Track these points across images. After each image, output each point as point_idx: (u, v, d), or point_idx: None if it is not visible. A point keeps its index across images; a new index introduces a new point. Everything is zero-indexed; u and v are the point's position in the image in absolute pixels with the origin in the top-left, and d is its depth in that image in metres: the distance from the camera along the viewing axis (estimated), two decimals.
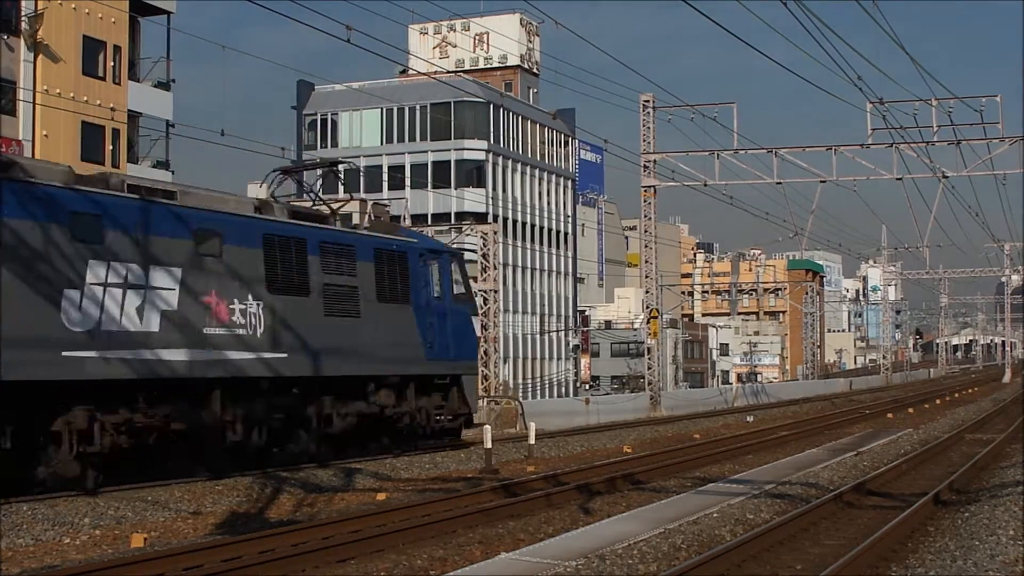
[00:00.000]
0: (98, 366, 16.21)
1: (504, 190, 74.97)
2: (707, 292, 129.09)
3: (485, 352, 36.66)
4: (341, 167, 27.41)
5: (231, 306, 18.43)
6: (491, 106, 73.22)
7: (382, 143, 75.42)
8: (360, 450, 21.54)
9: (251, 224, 19.18)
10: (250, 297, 18.78)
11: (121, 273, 16.67)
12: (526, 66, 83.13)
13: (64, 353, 15.76)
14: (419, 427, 23.21)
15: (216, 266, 18.26)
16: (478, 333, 26.43)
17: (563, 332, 78.74)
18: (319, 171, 26.92)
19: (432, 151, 73.71)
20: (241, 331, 18.59)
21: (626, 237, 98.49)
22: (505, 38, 78.19)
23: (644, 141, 43.39)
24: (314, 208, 22.64)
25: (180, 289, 17.58)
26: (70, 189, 16.40)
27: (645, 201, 43.91)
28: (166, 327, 17.27)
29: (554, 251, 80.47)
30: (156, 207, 17.53)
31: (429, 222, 61.07)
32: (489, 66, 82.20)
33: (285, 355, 19.38)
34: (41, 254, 15.55)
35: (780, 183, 41.58)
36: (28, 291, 15.34)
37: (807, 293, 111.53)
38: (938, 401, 49.88)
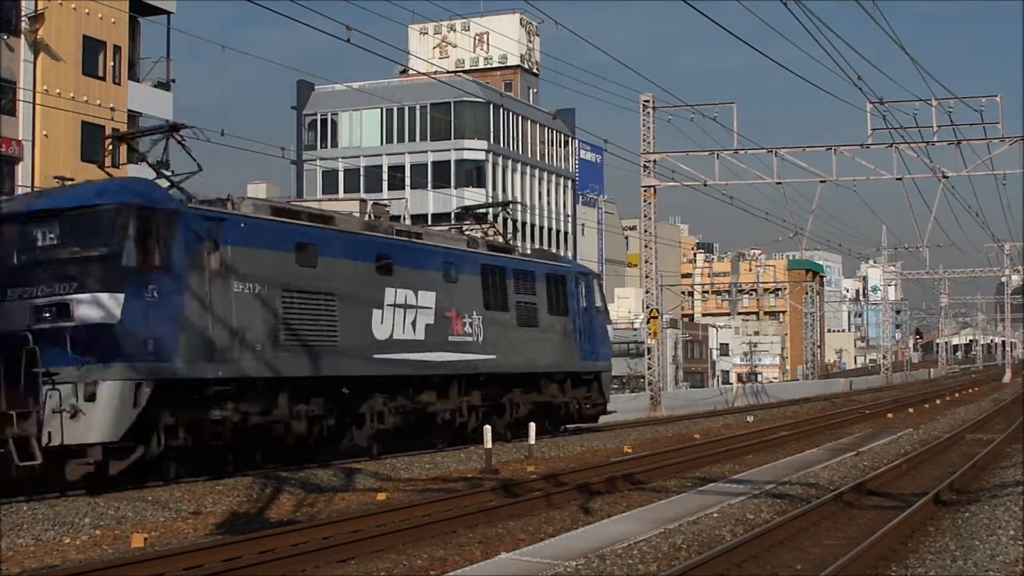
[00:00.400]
0: (391, 365, 22.04)
1: (504, 190, 74.99)
2: (707, 292, 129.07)
3: None
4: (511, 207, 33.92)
5: (463, 320, 24.35)
6: (491, 106, 73.25)
7: (382, 143, 75.45)
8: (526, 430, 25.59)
9: (475, 258, 25.36)
10: (474, 313, 24.77)
11: (403, 296, 22.47)
12: (526, 66, 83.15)
13: (374, 356, 21.59)
14: (574, 413, 29.28)
15: (454, 290, 24.17)
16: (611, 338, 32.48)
17: None
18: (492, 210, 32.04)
19: (432, 151, 73.74)
20: (470, 338, 24.54)
21: (626, 237, 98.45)
22: (505, 38, 78.20)
23: (644, 141, 43.40)
24: (503, 243, 28.85)
25: (435, 308, 23.42)
26: (374, 237, 22.38)
27: (645, 201, 43.92)
28: (428, 336, 23.14)
29: (554, 251, 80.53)
30: (421, 247, 23.63)
31: (429, 222, 61.12)
32: (489, 66, 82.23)
33: (495, 356, 25.36)
34: (359, 285, 21.23)
35: (780, 183, 41.59)
36: (353, 311, 21.00)
37: (807, 293, 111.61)
38: (938, 401, 49.87)
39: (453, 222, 31.70)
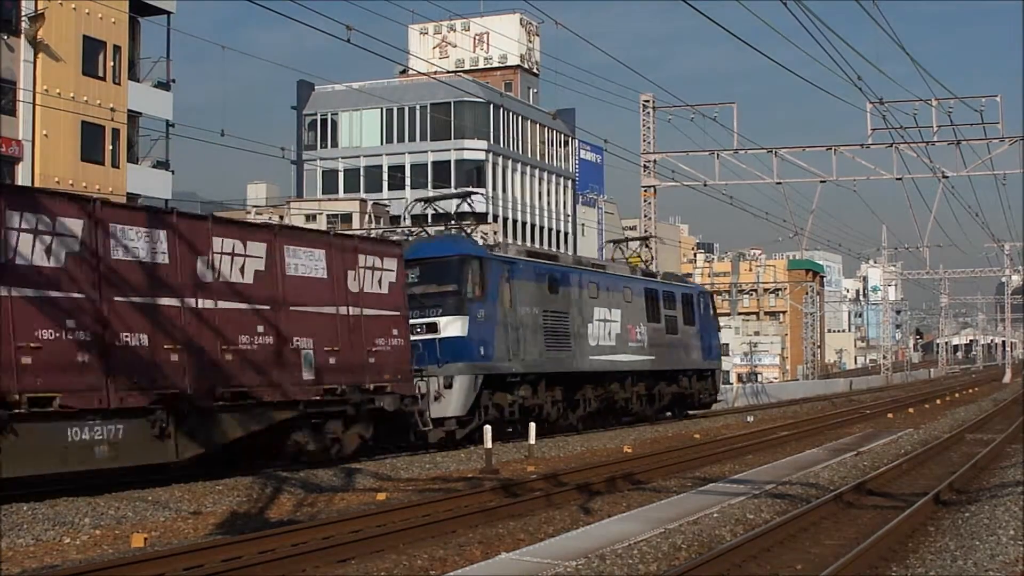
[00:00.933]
0: (599, 364, 30.18)
1: (504, 190, 75.00)
2: None
3: None
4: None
5: (635, 330, 32.35)
6: (491, 106, 73.26)
7: (382, 143, 75.46)
8: (659, 415, 35.14)
9: (640, 283, 33.49)
10: (641, 324, 32.71)
11: (605, 313, 30.49)
12: (526, 66, 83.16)
13: (589, 357, 29.56)
14: (697, 401, 37.49)
15: (630, 307, 32.13)
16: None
17: None
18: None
19: (432, 151, 73.76)
20: (639, 344, 32.50)
21: (626, 237, 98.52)
22: (505, 38, 78.21)
23: (644, 141, 43.41)
24: (652, 271, 36.75)
25: (621, 321, 31.40)
26: (589, 269, 30.82)
27: (645, 201, 43.93)
28: (617, 343, 31.13)
29: (554, 251, 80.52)
30: (614, 276, 31.86)
31: (429, 222, 61.12)
32: (489, 66, 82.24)
33: (653, 357, 33.29)
34: (581, 306, 29.30)
35: (780, 183, 41.62)
36: (578, 325, 29.00)
37: (807, 293, 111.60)
38: (938, 401, 49.85)
39: (453, 222, 31.67)
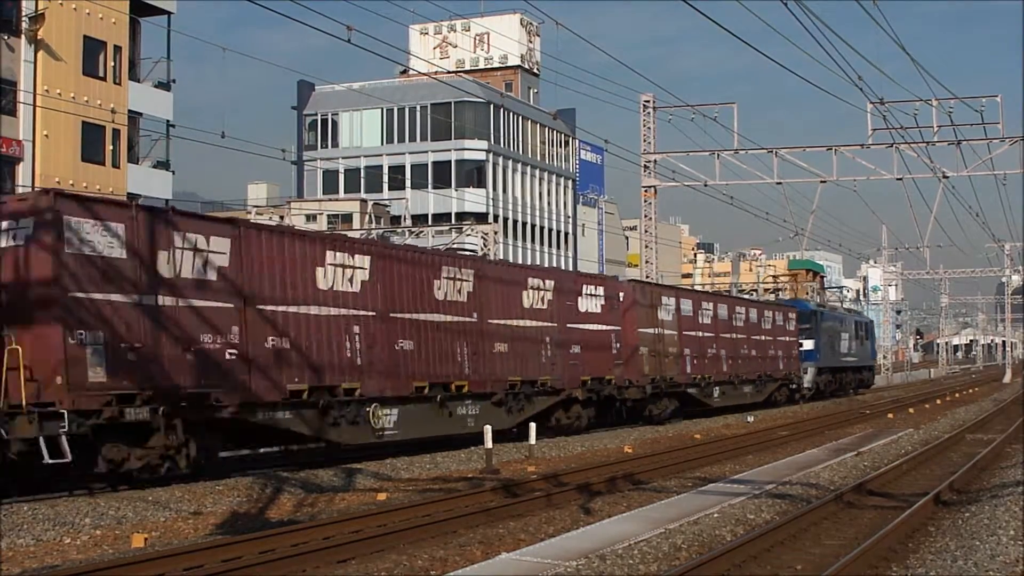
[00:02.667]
0: (846, 363, 57.24)
1: (504, 190, 74.96)
2: None
3: None
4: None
5: (851, 343, 57.85)
6: (491, 106, 73.20)
7: (382, 143, 75.39)
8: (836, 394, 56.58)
9: (852, 317, 61.65)
10: (851, 338, 57.93)
11: (850, 332, 58.05)
12: (526, 66, 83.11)
13: (840, 360, 55.91)
14: (860, 387, 60.76)
15: (850, 331, 58.04)
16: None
17: None
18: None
19: (432, 151, 73.69)
20: (846, 350, 56.84)
21: (626, 237, 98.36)
22: (505, 38, 78.17)
23: (644, 141, 43.39)
24: (849, 307, 72.98)
25: (848, 339, 57.21)
26: (840, 312, 60.69)
27: (645, 201, 43.90)
28: (848, 351, 57.13)
29: (554, 251, 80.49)
30: (846, 315, 60.89)
31: (429, 222, 61.10)
32: (489, 66, 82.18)
33: (856, 358, 59.24)
34: (837, 330, 55.80)
35: (780, 183, 41.59)
36: (835, 340, 54.94)
37: (807, 293, 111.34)
38: (938, 401, 49.87)
39: (454, 222, 31.58)
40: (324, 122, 76.93)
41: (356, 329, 21.24)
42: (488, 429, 21.81)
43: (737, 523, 13.92)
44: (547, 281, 28.37)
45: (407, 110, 74.81)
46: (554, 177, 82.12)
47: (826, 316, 53.86)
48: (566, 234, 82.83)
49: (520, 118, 77.81)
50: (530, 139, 79.17)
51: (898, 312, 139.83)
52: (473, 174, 73.44)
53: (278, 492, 17.13)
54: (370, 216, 59.39)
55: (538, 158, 79.78)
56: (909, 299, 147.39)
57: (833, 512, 15.05)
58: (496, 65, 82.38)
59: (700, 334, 37.31)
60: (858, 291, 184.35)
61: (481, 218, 66.91)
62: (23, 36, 37.14)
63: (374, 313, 21.77)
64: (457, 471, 20.65)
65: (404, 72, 73.68)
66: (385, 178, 70.99)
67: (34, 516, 14.15)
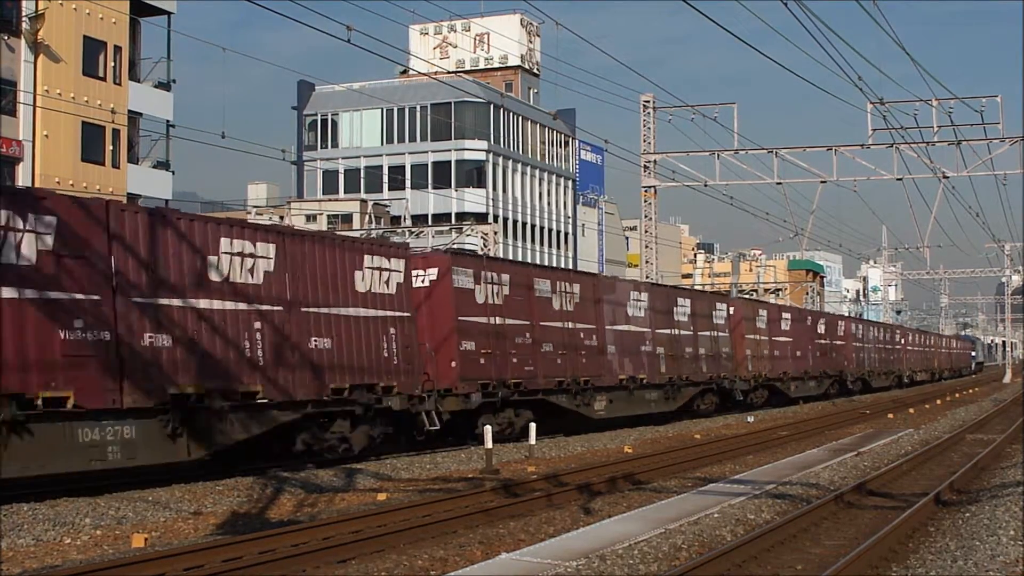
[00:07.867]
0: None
1: (504, 190, 74.97)
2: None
3: None
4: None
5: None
6: (491, 106, 73.20)
7: (382, 143, 75.40)
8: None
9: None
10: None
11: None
12: (526, 66, 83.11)
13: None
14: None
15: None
16: None
17: None
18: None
19: (432, 151, 73.69)
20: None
21: (626, 237, 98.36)
22: (506, 38, 78.17)
23: (644, 141, 43.38)
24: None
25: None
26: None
27: (645, 201, 43.89)
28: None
29: (554, 251, 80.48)
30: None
31: (430, 223, 61.12)
32: (489, 66, 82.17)
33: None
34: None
35: (780, 183, 41.58)
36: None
37: (807, 293, 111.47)
38: (939, 401, 49.87)
39: (454, 222, 31.54)
40: (324, 122, 76.94)
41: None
42: (488, 429, 21.80)
43: (737, 523, 13.92)
44: (688, 301, 37.74)
45: (407, 110, 74.81)
46: (554, 177, 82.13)
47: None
48: (566, 234, 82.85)
49: (520, 118, 77.81)
50: (530, 139, 79.17)
51: (898, 312, 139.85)
52: (473, 174, 73.45)
53: (278, 492, 17.13)
54: (370, 216, 59.39)
55: (538, 158, 79.78)
56: (909, 299, 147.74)
57: (833, 512, 15.05)
58: (496, 65, 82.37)
59: (781, 339, 46.82)
60: (858, 291, 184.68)
61: (481, 218, 66.97)
62: (23, 36, 37.14)
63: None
64: (457, 471, 20.64)
65: (404, 72, 73.71)
66: (385, 178, 71.00)
67: (34, 516, 14.15)
